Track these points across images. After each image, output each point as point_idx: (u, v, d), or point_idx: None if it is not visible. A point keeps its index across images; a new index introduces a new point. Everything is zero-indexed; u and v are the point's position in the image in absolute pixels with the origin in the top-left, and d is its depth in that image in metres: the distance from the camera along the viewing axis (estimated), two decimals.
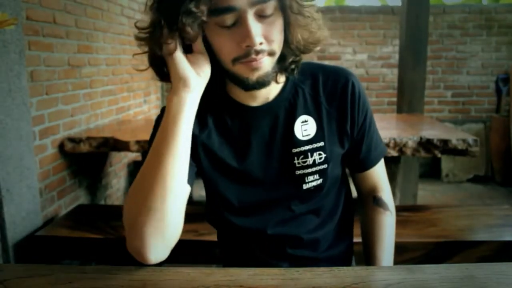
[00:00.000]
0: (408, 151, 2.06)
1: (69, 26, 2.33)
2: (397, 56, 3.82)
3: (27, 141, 1.85)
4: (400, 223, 1.84)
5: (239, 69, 0.75)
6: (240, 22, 0.71)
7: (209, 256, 1.71)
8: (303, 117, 0.85)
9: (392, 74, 4.15)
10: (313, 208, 0.89)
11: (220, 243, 1.03)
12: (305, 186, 0.85)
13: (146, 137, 2.20)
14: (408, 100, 3.00)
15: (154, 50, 0.74)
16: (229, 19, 0.70)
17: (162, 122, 0.76)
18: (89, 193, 2.58)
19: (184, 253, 1.74)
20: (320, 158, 0.85)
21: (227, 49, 0.73)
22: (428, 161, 4.15)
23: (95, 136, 2.24)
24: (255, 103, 0.84)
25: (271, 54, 0.75)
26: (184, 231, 1.96)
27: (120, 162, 3.08)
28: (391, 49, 4.14)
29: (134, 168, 3.30)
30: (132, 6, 3.33)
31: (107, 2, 2.84)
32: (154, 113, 3.96)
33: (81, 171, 2.47)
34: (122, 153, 3.07)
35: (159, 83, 4.09)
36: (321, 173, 0.85)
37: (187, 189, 0.80)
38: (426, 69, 3.02)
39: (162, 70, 0.79)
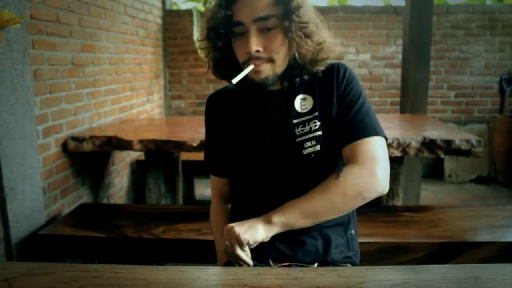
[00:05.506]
0: (412, 152, 2.05)
1: (72, 25, 2.34)
2: (400, 56, 3.81)
3: (31, 139, 1.85)
4: (403, 223, 1.85)
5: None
6: (246, 33, 0.96)
7: (212, 255, 1.71)
8: (302, 96, 1.04)
9: (395, 74, 4.14)
10: (307, 183, 0.98)
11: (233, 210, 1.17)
12: (304, 152, 0.99)
13: (149, 136, 2.22)
14: (411, 100, 2.99)
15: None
16: (238, 29, 0.97)
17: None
18: (92, 192, 2.58)
19: (187, 252, 1.74)
20: (315, 126, 1.00)
21: (238, 53, 1.00)
22: (431, 161, 4.14)
23: (98, 135, 2.25)
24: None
25: (270, 61, 0.97)
26: (187, 231, 1.96)
27: (122, 161, 3.08)
28: (394, 49, 4.13)
29: (136, 167, 3.30)
30: (135, 5, 3.33)
31: (110, 1, 2.85)
32: (157, 112, 3.97)
33: (84, 170, 2.47)
34: (125, 152, 3.08)
35: (162, 83, 4.09)
36: (317, 139, 0.99)
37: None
38: (429, 69, 3.02)
39: (223, 71, 1.06)
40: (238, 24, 0.95)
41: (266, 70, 0.97)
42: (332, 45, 1.01)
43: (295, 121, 1.01)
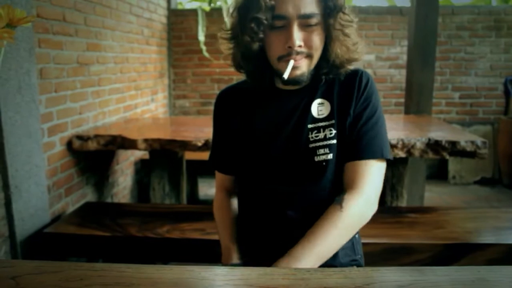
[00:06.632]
0: (416, 153, 2.05)
1: (78, 24, 2.34)
2: (405, 57, 3.80)
3: (36, 138, 1.86)
4: (407, 224, 1.85)
5: (282, 66, 0.96)
6: (287, 28, 0.93)
7: (216, 255, 1.71)
8: (319, 100, 1.01)
9: (399, 75, 4.13)
10: (315, 190, 0.98)
11: (240, 209, 1.16)
12: (316, 159, 0.98)
13: (153, 135, 2.22)
14: (416, 101, 2.98)
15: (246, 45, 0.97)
16: (279, 23, 0.93)
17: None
18: (96, 191, 2.59)
19: (191, 251, 1.74)
20: (331, 134, 0.99)
21: (274, 47, 0.96)
22: (435, 162, 4.13)
23: (102, 134, 2.25)
24: (286, 87, 1.04)
25: (308, 56, 0.96)
26: (191, 230, 1.96)
27: (127, 160, 3.09)
28: (399, 50, 4.12)
29: (141, 166, 3.31)
30: (140, 4, 3.34)
31: (116, 1, 2.85)
32: (161, 111, 3.97)
33: (88, 169, 2.48)
34: (129, 151, 3.08)
35: (166, 82, 4.10)
36: (330, 147, 0.98)
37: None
38: (434, 70, 3.01)
39: (247, 63, 1.02)
40: (280, 17, 0.93)
41: (303, 66, 0.96)
42: (361, 46, 1.01)
43: (310, 126, 0.99)
